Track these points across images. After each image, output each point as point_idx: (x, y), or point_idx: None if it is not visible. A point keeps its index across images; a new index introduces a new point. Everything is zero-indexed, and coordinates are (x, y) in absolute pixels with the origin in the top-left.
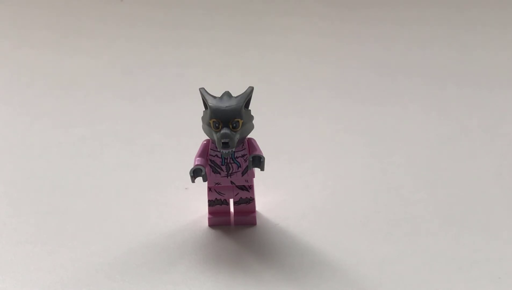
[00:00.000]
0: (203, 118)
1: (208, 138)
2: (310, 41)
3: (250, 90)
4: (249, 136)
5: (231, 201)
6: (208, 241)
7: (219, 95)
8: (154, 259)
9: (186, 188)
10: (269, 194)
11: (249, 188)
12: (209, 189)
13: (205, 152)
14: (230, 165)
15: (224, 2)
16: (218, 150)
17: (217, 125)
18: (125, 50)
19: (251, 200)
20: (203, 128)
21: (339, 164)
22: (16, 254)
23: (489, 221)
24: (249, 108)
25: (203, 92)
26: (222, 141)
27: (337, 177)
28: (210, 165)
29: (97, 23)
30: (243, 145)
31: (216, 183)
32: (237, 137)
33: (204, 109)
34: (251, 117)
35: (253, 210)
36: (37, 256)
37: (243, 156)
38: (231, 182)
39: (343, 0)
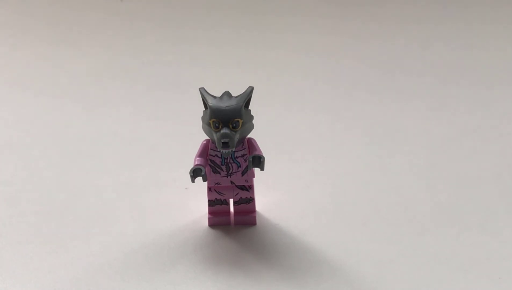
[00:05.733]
0: (203, 118)
1: (208, 138)
2: (310, 40)
3: (250, 90)
4: (249, 136)
5: (231, 201)
6: (208, 241)
7: (219, 95)
8: (154, 259)
9: (186, 188)
10: (269, 194)
11: (249, 188)
12: (209, 189)
13: (205, 152)
14: (230, 165)
15: (224, 1)
16: (218, 150)
17: (217, 125)
18: (125, 50)
19: (251, 200)
20: (203, 128)
21: (339, 164)
22: (16, 254)
23: (489, 221)
24: (249, 108)
25: (203, 92)
26: (222, 141)
27: (337, 177)
28: (210, 165)
29: (97, 23)
30: (243, 145)
31: (216, 183)
32: (237, 137)
33: (204, 109)
34: (251, 117)
35: (253, 210)
36: (37, 256)
37: (243, 156)
38: (231, 182)
39: None
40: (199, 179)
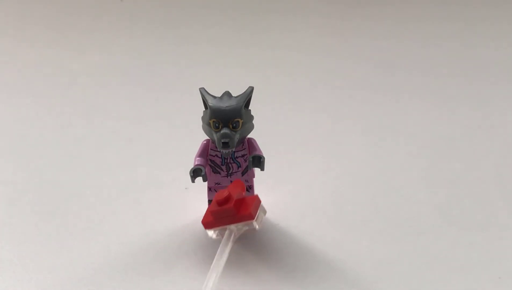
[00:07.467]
0: (203, 118)
1: (208, 138)
2: (310, 40)
3: (250, 90)
4: (249, 136)
5: None
6: (208, 241)
7: (219, 95)
8: (154, 259)
9: (186, 188)
10: (269, 194)
11: (249, 188)
12: (209, 189)
13: (205, 152)
14: (230, 165)
15: (224, 1)
16: (218, 150)
17: (217, 125)
18: (125, 50)
19: None
20: (203, 128)
21: (340, 163)
22: (16, 254)
23: (489, 221)
24: (249, 108)
25: (203, 92)
26: (222, 141)
27: (337, 177)
28: (210, 165)
29: (97, 23)
30: (243, 145)
31: (216, 183)
32: (237, 137)
33: (204, 109)
34: (251, 117)
35: None
36: (37, 256)
37: (243, 156)
38: (231, 182)
39: None
40: (199, 179)
